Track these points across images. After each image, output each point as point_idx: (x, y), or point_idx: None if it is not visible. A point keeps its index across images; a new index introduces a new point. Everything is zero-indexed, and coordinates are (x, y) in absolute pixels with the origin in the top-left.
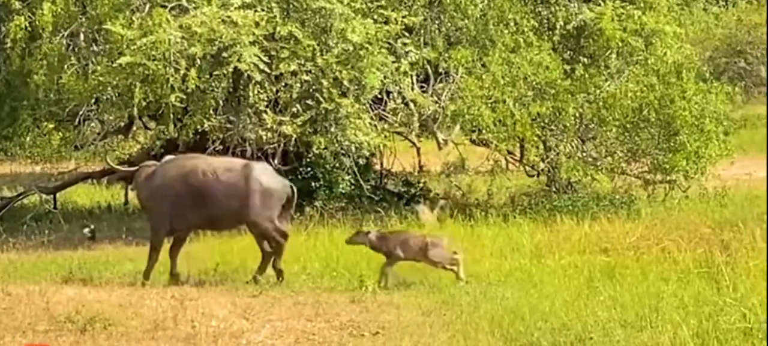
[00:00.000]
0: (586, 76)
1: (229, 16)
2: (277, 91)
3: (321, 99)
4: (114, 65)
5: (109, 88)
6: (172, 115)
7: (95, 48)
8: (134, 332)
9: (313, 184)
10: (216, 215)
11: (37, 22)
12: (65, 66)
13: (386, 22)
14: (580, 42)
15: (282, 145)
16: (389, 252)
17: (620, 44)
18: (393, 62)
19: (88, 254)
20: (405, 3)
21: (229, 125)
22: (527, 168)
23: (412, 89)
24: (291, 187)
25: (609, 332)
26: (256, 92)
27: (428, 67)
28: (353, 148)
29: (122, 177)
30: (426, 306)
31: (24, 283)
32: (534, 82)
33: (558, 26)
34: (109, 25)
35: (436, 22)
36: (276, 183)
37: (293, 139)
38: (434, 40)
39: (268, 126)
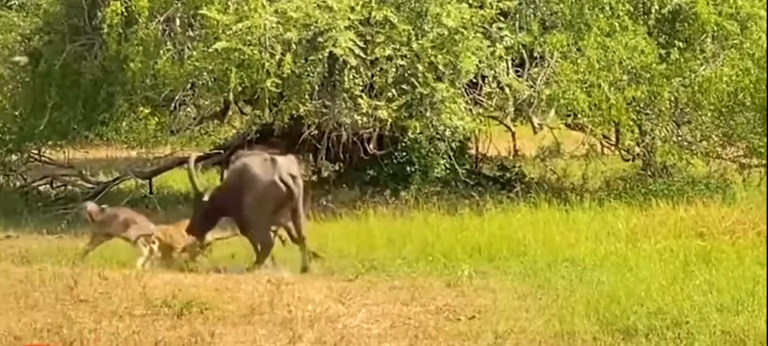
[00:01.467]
0: (681, 60)
1: (324, 1)
2: (372, 76)
3: (416, 84)
4: (210, 50)
5: (205, 73)
6: (267, 100)
7: (191, 33)
8: (231, 316)
9: (408, 168)
10: None
11: (133, 8)
12: (161, 51)
13: (481, 7)
14: (675, 26)
15: (377, 129)
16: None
17: (715, 28)
18: (488, 47)
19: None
20: None
21: (324, 110)
22: (622, 152)
23: (508, 74)
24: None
25: (705, 317)
26: (351, 77)
27: (523, 51)
28: (448, 133)
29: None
30: (522, 290)
31: (120, 267)
32: (629, 67)
33: (653, 10)
34: (205, 10)
35: (532, 6)
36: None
37: (388, 123)
38: (529, 24)
39: (364, 111)
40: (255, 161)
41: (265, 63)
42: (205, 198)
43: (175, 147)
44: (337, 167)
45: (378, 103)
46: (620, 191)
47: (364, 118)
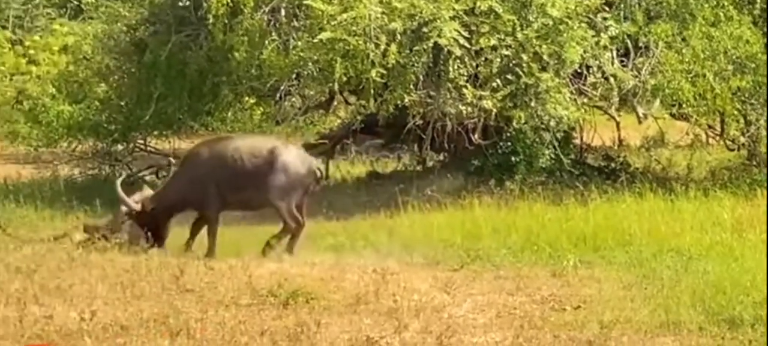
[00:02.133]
0: None
1: None
2: (477, 66)
3: (521, 74)
4: (315, 41)
5: (310, 64)
6: (372, 91)
7: (296, 23)
8: (336, 305)
9: (513, 158)
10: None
11: None
12: (266, 41)
13: None
14: None
15: (482, 119)
16: None
17: None
18: (593, 36)
19: None
20: None
21: (429, 100)
22: (727, 142)
23: (612, 64)
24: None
25: None
26: (455, 67)
27: (628, 41)
28: (553, 123)
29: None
30: (627, 280)
31: (226, 257)
32: (734, 56)
33: (758, 0)
34: (310, 0)
35: None
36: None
37: (493, 113)
38: (634, 14)
39: (468, 101)
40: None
41: (370, 53)
42: (137, 206)
43: (280, 137)
44: (441, 157)
45: (483, 93)
46: (725, 181)
47: (469, 109)
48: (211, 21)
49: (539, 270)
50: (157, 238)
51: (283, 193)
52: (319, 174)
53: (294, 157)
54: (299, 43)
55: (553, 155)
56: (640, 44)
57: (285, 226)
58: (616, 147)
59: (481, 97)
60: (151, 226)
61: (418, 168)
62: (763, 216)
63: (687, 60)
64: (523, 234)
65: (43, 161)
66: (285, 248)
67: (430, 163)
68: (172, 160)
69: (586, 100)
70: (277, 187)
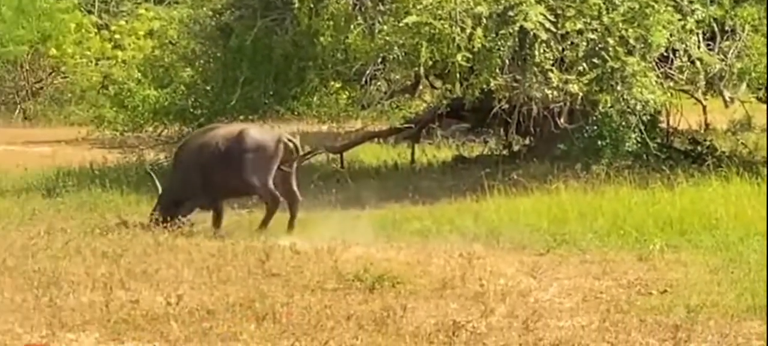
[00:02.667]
0: None
1: None
2: (563, 50)
3: (607, 57)
4: (400, 25)
5: (396, 48)
6: (458, 75)
7: (381, 7)
8: (422, 290)
9: (599, 142)
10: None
11: None
12: (352, 26)
13: None
14: None
15: (568, 103)
16: None
17: None
18: (679, 20)
19: (374, 213)
20: None
21: (514, 84)
22: None
23: (699, 47)
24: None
25: None
26: (541, 51)
27: (714, 24)
28: (639, 107)
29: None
30: (713, 264)
31: (312, 241)
32: None
33: None
34: None
35: None
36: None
37: (579, 97)
38: None
39: (554, 85)
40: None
41: (456, 37)
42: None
43: (366, 121)
44: (527, 141)
45: (568, 77)
46: None
47: (555, 92)
48: (296, 5)
49: (625, 254)
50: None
51: (254, 170)
52: (291, 146)
53: (260, 134)
54: (385, 27)
55: (639, 139)
56: (727, 28)
57: (266, 204)
58: (702, 131)
59: (566, 81)
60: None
61: (504, 152)
62: None
63: None
64: (610, 218)
65: (128, 146)
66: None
67: (516, 148)
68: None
69: (672, 84)
70: (248, 166)
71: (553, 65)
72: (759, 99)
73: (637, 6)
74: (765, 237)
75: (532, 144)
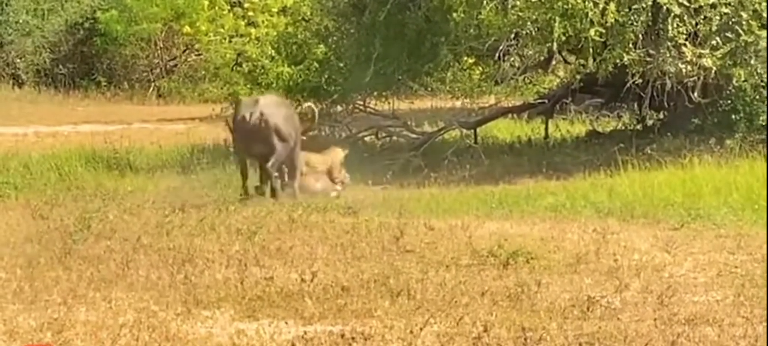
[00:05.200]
0: None
1: None
2: (696, 24)
3: (740, 31)
4: (533, 0)
5: (529, 23)
6: (591, 50)
7: None
8: (557, 265)
9: (733, 116)
10: None
11: None
12: (485, 1)
13: None
14: None
15: (701, 78)
16: None
17: None
18: None
19: (508, 189)
20: None
21: (648, 59)
22: None
23: None
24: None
25: None
26: (675, 25)
27: None
28: None
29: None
30: None
31: (446, 217)
32: None
33: None
34: None
35: None
36: None
37: (712, 71)
38: None
39: (688, 59)
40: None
41: (589, 12)
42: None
43: (499, 97)
44: (661, 116)
45: (702, 51)
46: None
47: (688, 67)
48: None
49: (760, 229)
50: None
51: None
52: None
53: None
54: (518, 2)
55: None
56: None
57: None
58: None
59: (700, 56)
60: None
61: (638, 127)
62: None
63: None
64: (744, 193)
65: None
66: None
67: (649, 122)
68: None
69: None
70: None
71: (686, 40)
72: None
73: None
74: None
75: (665, 119)
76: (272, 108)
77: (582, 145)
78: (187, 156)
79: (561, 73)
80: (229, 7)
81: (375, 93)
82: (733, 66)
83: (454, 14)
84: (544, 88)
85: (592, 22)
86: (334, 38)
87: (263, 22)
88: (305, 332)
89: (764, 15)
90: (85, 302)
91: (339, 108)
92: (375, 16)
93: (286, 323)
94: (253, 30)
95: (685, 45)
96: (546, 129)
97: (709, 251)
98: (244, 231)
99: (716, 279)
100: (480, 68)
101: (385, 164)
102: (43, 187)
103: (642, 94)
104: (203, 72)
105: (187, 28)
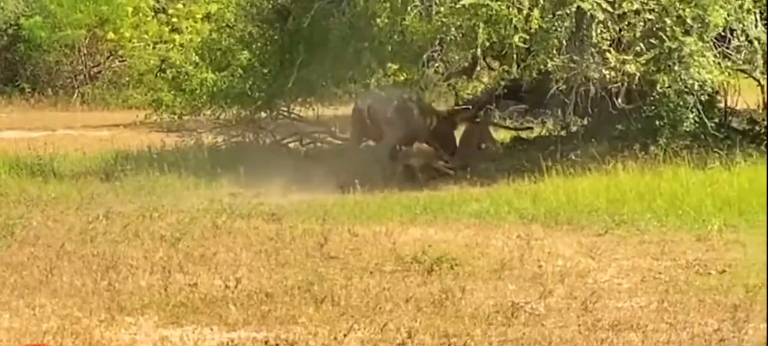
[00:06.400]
0: None
1: None
2: (620, 30)
3: (664, 37)
4: (457, 6)
5: (453, 29)
6: (515, 56)
7: None
8: (481, 271)
9: (657, 122)
10: None
11: None
12: (409, 7)
13: None
14: None
15: (625, 84)
16: None
17: None
18: (736, 0)
19: (433, 195)
20: None
21: (572, 65)
22: None
23: (756, 26)
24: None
25: None
26: (599, 32)
27: None
28: (697, 86)
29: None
30: None
31: (370, 224)
32: None
33: None
34: None
35: None
36: None
37: (637, 77)
38: None
39: (612, 65)
40: None
41: (513, 18)
42: None
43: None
44: (585, 122)
45: (626, 57)
46: None
47: (613, 73)
48: None
49: (684, 235)
50: None
51: None
52: None
53: None
54: (442, 8)
55: (697, 119)
56: None
57: None
58: (760, 110)
59: (624, 62)
60: None
61: (562, 133)
62: None
63: None
64: (668, 198)
65: (186, 129)
66: None
67: (573, 129)
68: None
69: (729, 63)
70: None
71: (610, 46)
72: None
73: None
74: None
75: (589, 125)
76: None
77: (506, 151)
78: (111, 162)
79: (485, 80)
80: (153, 14)
81: (299, 99)
82: (656, 72)
83: (378, 20)
84: (468, 95)
85: (516, 28)
86: (258, 44)
87: (187, 28)
88: (229, 339)
89: (688, 21)
90: (9, 309)
91: (263, 114)
92: (299, 23)
93: (210, 329)
94: (177, 36)
95: (609, 51)
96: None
97: (633, 256)
98: (168, 238)
99: (640, 285)
100: (404, 74)
101: (309, 170)
102: None
103: (566, 100)
104: (127, 78)
105: (111, 35)
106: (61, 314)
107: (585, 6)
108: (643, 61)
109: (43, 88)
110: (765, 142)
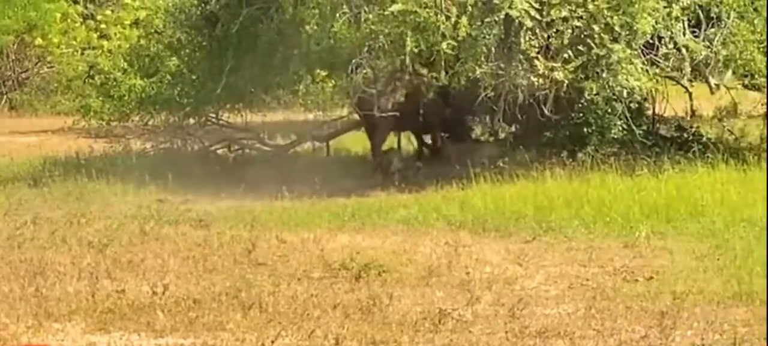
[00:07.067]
0: None
1: None
2: (548, 38)
3: (592, 45)
4: (386, 13)
5: (381, 36)
6: (443, 63)
7: None
8: (409, 278)
9: (585, 130)
10: None
11: None
12: (337, 14)
13: None
14: None
15: (553, 91)
16: None
17: None
18: (664, 7)
19: (361, 201)
20: None
21: (500, 72)
22: None
23: (684, 34)
24: None
25: None
26: (527, 39)
27: (700, 12)
28: (625, 94)
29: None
30: (699, 251)
31: (298, 230)
32: None
33: None
34: None
35: None
36: None
37: (565, 85)
38: None
39: (540, 72)
40: None
41: (441, 25)
42: None
43: (352, 110)
44: (513, 129)
45: (554, 64)
46: None
47: (541, 80)
48: None
49: (611, 242)
50: None
51: None
52: None
53: None
54: (370, 15)
55: (625, 126)
56: (712, 15)
57: None
58: (688, 118)
59: (552, 69)
60: None
61: (490, 140)
62: None
63: (759, 30)
64: (595, 206)
65: (115, 135)
66: None
67: (501, 136)
68: None
69: (657, 71)
70: None
71: (538, 53)
72: (745, 86)
73: None
74: (755, 224)
75: (517, 132)
76: None
77: (435, 158)
78: (39, 168)
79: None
80: (81, 20)
81: (228, 106)
82: (584, 79)
83: (307, 27)
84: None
85: (444, 35)
86: (187, 51)
87: (116, 34)
88: (157, 345)
89: (616, 29)
90: None
91: (191, 120)
92: (227, 29)
93: (138, 335)
94: (105, 42)
95: (537, 58)
96: (398, 142)
97: (561, 263)
98: (95, 244)
99: (567, 292)
100: (333, 81)
101: (237, 177)
102: None
103: (494, 107)
104: (55, 84)
105: (39, 40)
106: None
107: (513, 13)
108: (571, 69)
109: None
110: (693, 149)
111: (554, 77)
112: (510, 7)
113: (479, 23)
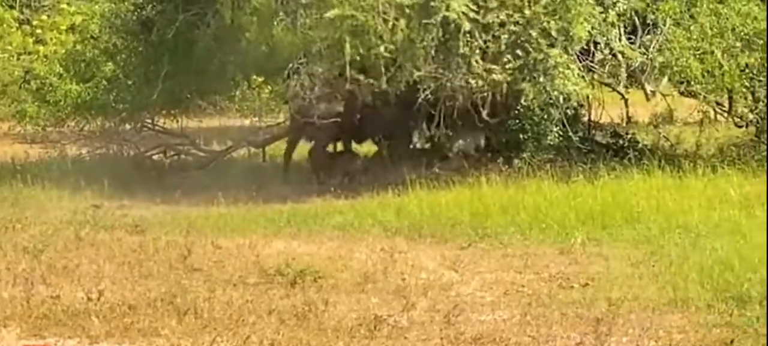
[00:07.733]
0: None
1: None
2: (486, 42)
3: (529, 49)
4: (323, 18)
5: (319, 41)
6: (382, 67)
7: (304, 0)
8: (344, 284)
9: (521, 136)
10: None
11: None
12: (275, 20)
13: None
14: None
15: (491, 94)
16: None
17: None
18: (600, 13)
19: (297, 207)
20: None
21: (438, 75)
22: (736, 119)
23: (620, 40)
24: None
25: None
26: (465, 42)
27: (636, 18)
28: (561, 99)
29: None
30: (635, 257)
31: (234, 236)
32: (742, 33)
33: None
34: None
35: None
36: None
37: (503, 87)
38: None
39: (478, 72)
40: None
41: (379, 29)
42: None
43: (287, 116)
44: (450, 134)
45: (493, 66)
46: (733, 157)
47: (479, 81)
48: (219, 0)
49: (547, 248)
50: None
51: None
52: None
53: None
54: (307, 20)
55: (561, 133)
56: (648, 21)
57: None
58: (624, 124)
59: (490, 70)
60: None
61: (427, 146)
62: None
63: (695, 37)
64: (531, 212)
65: (50, 141)
66: None
67: (438, 141)
68: None
69: (594, 76)
70: None
71: (477, 56)
72: (681, 92)
73: None
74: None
75: (454, 137)
76: None
77: (370, 163)
78: None
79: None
80: (17, 25)
81: (163, 111)
82: (522, 81)
83: (247, 33)
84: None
85: (382, 39)
86: (123, 56)
87: (52, 39)
88: None
89: (552, 34)
90: None
91: (127, 126)
92: (163, 34)
93: (73, 341)
94: (41, 48)
95: (476, 61)
96: (335, 147)
97: (496, 270)
98: (30, 249)
99: (503, 298)
100: (269, 87)
101: (173, 183)
102: None
103: (432, 112)
104: None
105: None
106: None
107: (451, 15)
108: (510, 70)
109: None
110: (628, 155)
111: (493, 79)
112: (447, 10)
113: (417, 26)
